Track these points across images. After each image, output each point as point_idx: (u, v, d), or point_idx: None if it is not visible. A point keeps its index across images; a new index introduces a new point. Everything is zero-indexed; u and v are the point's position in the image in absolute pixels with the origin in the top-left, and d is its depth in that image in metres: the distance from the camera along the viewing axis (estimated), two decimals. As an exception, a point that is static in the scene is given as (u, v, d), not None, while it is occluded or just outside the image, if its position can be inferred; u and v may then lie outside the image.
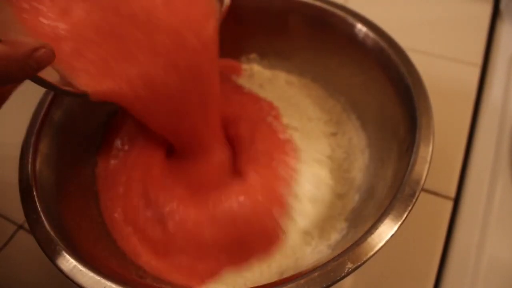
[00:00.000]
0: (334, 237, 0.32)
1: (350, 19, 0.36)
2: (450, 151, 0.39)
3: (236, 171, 0.35)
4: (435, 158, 0.27)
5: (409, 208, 0.25)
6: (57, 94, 0.33)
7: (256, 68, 0.43)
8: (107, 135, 0.37)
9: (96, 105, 0.36)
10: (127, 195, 0.33)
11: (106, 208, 0.33)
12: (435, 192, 0.37)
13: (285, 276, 0.29)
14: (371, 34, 0.34)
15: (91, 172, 0.35)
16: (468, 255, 0.33)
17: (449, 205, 0.36)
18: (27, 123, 0.32)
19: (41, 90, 0.33)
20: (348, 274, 0.23)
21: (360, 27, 0.35)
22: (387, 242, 0.24)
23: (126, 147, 0.36)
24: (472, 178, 0.37)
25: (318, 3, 0.37)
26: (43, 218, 0.27)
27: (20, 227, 0.38)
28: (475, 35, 0.48)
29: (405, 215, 0.24)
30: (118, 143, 0.36)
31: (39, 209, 0.28)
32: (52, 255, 0.25)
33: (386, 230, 0.24)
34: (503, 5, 0.48)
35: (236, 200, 0.31)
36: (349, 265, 0.23)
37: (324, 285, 0.23)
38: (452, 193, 0.37)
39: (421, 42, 0.47)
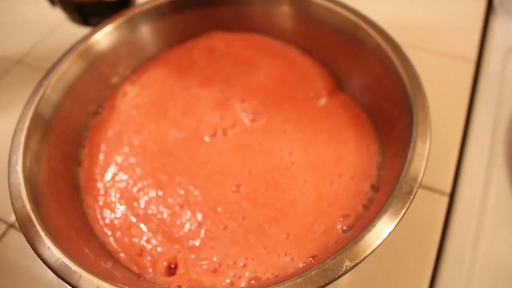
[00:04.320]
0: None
1: (347, 15, 0.35)
2: (446, 147, 0.39)
3: None
4: (431, 153, 0.27)
5: (407, 205, 0.24)
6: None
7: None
8: (92, 133, 0.37)
9: (83, 100, 0.36)
10: (106, 197, 0.33)
11: (88, 209, 0.33)
12: (430, 187, 0.37)
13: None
14: (367, 30, 0.34)
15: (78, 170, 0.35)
16: (464, 250, 0.33)
17: (445, 200, 0.36)
18: (16, 121, 0.31)
19: (29, 87, 0.33)
20: (346, 272, 0.23)
21: (356, 22, 0.35)
22: (384, 239, 0.24)
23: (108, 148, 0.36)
24: (467, 174, 0.37)
25: (314, -1, 0.37)
26: (34, 217, 0.26)
27: (11, 226, 0.37)
28: (470, 31, 0.48)
29: (402, 213, 0.24)
30: (102, 144, 0.36)
31: (30, 208, 0.27)
32: (43, 256, 0.25)
33: (384, 228, 0.24)
34: (496, 1, 0.48)
35: None
36: (347, 263, 0.23)
37: (322, 284, 0.22)
38: (448, 188, 0.37)
39: (416, 37, 0.47)
